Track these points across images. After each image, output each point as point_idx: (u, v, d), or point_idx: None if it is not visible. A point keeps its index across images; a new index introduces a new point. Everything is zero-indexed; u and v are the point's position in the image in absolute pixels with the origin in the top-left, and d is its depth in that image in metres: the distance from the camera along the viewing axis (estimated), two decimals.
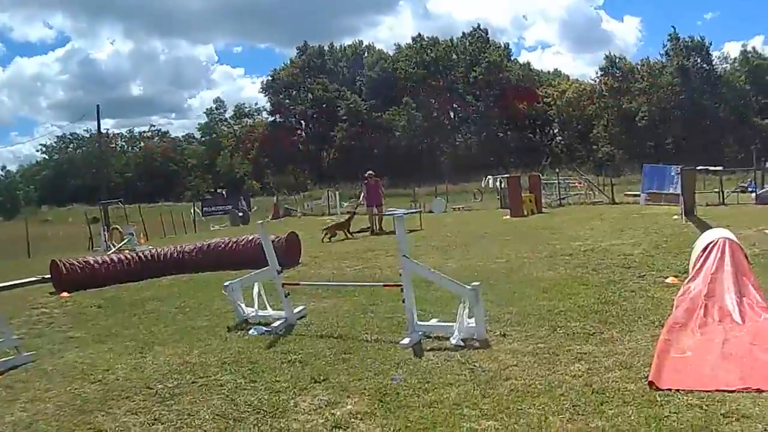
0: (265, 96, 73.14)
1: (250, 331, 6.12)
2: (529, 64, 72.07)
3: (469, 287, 5.28)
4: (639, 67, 61.46)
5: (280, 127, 70.91)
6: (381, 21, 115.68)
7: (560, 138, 66.77)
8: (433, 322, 5.69)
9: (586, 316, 5.80)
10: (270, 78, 72.27)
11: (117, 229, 20.92)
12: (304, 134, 72.91)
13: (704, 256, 5.97)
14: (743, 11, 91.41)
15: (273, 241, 9.54)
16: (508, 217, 18.87)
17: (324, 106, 68.20)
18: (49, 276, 10.55)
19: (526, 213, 19.18)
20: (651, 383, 3.95)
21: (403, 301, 5.47)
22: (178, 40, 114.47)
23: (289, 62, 72.85)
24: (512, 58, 70.30)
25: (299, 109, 70.19)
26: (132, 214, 31.07)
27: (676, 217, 14.27)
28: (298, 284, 7.47)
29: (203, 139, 78.22)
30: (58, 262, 10.30)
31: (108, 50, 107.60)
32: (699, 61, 59.07)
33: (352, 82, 70.27)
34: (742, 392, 3.74)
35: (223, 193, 49.60)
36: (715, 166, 25.13)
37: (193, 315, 7.30)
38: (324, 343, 5.52)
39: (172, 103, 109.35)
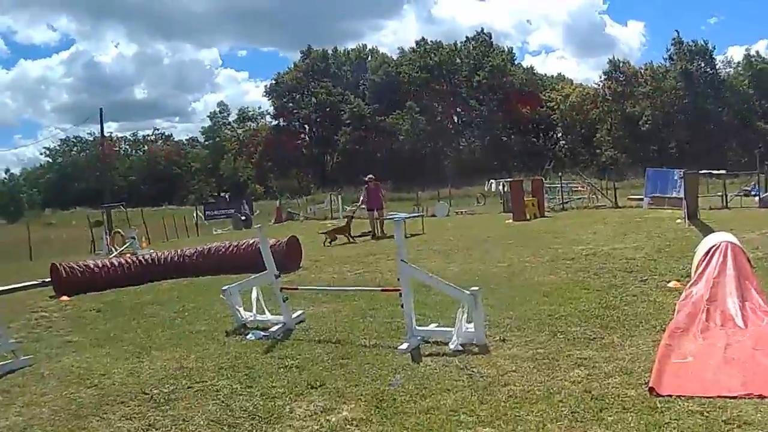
0: (269, 100, 73.25)
1: (248, 336, 6.07)
2: (532, 68, 71.92)
3: (467, 292, 5.23)
4: (642, 71, 61.34)
5: (283, 130, 70.90)
6: (385, 25, 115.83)
7: (563, 142, 66.68)
8: (432, 327, 5.64)
9: (587, 320, 5.75)
10: (274, 82, 72.45)
11: (119, 232, 20.98)
12: (307, 138, 73.00)
13: (707, 260, 5.92)
14: (747, 15, 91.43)
15: (274, 245, 9.56)
16: (510, 221, 18.79)
17: (327, 109, 68.20)
18: (50, 279, 10.54)
19: (528, 217, 19.10)
20: (651, 389, 3.89)
21: (402, 306, 5.43)
22: (183, 43, 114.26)
23: (292, 66, 72.90)
24: (516, 63, 70.24)
25: (303, 112, 70.19)
26: (134, 217, 31.09)
27: (679, 220, 14.21)
28: (296, 289, 7.45)
29: (207, 142, 78.23)
30: (59, 266, 10.28)
31: (112, 53, 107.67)
32: (702, 65, 58.91)
33: (355, 86, 70.21)
34: (744, 398, 3.68)
35: (226, 196, 49.62)
36: (718, 170, 25.06)
37: (192, 319, 7.27)
38: (322, 348, 5.48)
39: (176, 107, 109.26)
